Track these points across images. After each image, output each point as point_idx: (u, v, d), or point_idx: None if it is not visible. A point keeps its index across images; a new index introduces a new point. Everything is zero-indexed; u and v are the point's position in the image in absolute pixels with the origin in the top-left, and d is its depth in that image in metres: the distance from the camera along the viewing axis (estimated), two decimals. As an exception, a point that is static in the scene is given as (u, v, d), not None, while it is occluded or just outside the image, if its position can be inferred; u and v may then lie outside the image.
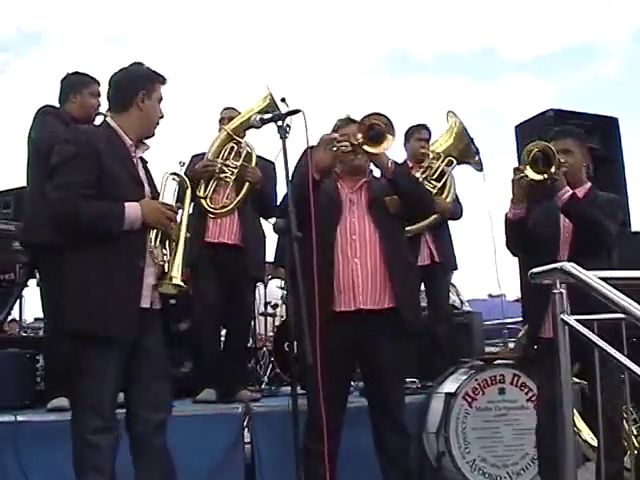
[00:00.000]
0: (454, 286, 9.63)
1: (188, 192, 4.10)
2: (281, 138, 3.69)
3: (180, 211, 3.98)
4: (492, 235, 5.86)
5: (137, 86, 3.86)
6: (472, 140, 6.18)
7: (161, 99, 3.92)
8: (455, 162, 6.10)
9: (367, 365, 4.30)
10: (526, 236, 4.48)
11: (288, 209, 3.65)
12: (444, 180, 6.05)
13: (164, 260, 3.80)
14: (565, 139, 4.52)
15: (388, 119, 4.19)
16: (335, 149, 4.21)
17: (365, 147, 4.19)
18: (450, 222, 6.38)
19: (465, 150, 6.17)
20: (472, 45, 26.88)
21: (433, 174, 6.05)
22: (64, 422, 4.65)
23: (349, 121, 4.50)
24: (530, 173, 4.33)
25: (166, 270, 3.79)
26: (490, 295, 11.45)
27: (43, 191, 4.89)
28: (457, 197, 6.27)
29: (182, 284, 3.79)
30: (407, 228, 4.91)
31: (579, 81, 25.70)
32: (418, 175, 5.98)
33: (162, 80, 3.95)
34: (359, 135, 4.18)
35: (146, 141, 3.95)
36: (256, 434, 5.02)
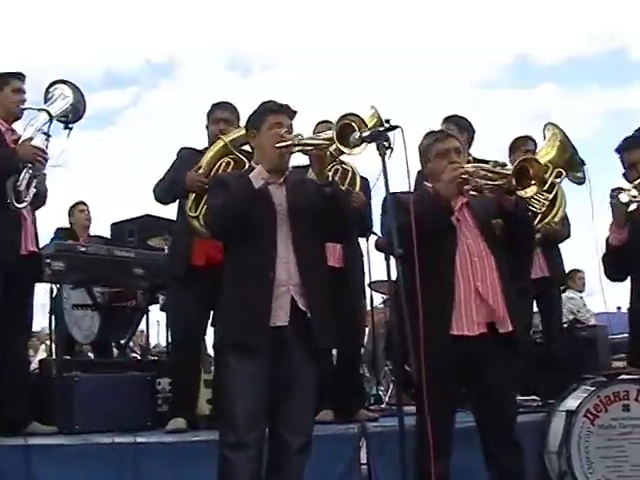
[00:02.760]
0: (572, 299, 9.40)
1: None
2: (381, 156, 3.65)
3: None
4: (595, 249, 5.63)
5: (248, 128, 4.14)
6: (576, 151, 5.98)
7: (276, 125, 3.97)
8: (564, 174, 5.91)
9: (479, 386, 4.18)
10: (626, 261, 4.32)
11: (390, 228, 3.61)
12: (555, 192, 5.87)
13: None
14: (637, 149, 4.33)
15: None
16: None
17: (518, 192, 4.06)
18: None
19: (569, 161, 5.97)
20: (600, 48, 26.13)
21: (543, 185, 5.88)
22: (181, 443, 4.81)
23: (446, 135, 4.43)
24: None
25: None
26: (619, 308, 11.06)
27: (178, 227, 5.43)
28: (566, 215, 6.07)
29: None
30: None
31: None
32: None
33: (272, 109, 4.02)
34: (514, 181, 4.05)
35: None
36: (372, 454, 4.98)
